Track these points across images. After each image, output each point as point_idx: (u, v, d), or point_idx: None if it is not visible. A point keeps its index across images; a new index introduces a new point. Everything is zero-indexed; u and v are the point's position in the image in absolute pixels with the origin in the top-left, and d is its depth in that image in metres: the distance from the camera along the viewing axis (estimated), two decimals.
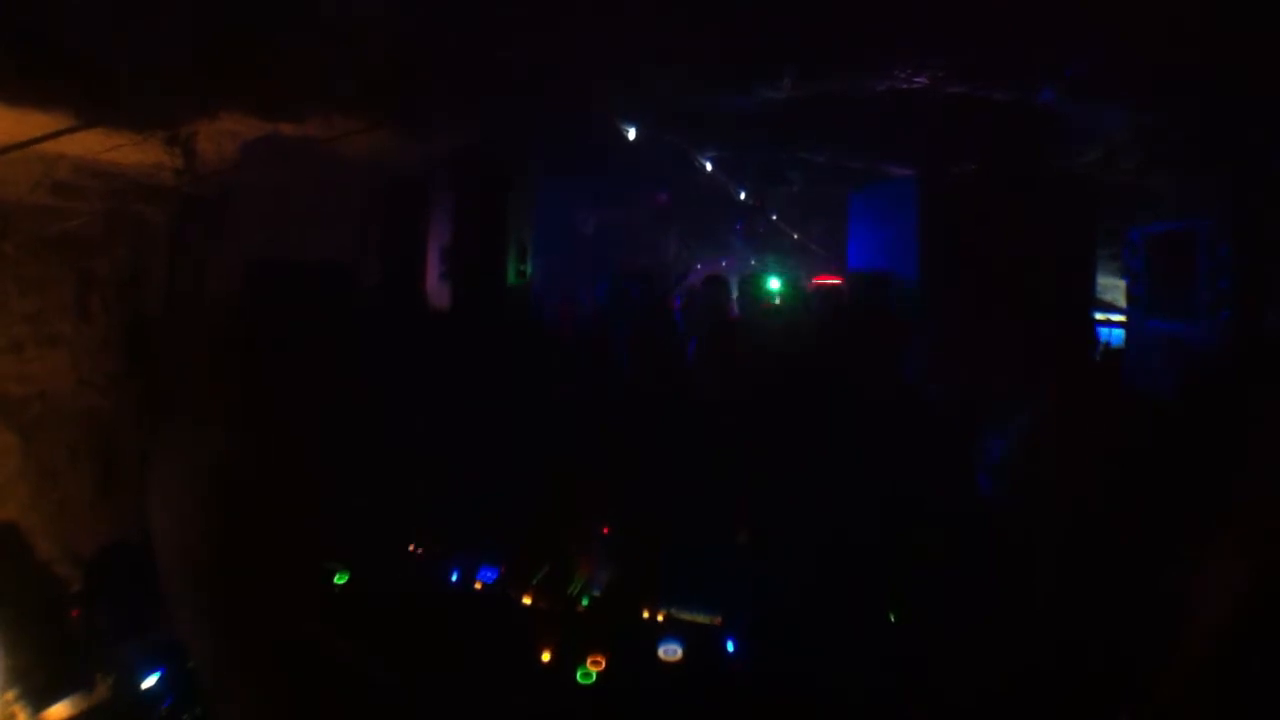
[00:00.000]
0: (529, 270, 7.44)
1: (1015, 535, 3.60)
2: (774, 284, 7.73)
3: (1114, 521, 3.26)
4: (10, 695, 2.54)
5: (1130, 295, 5.76)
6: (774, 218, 9.97)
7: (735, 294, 7.72)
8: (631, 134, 6.73)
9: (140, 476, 2.96)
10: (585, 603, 3.92)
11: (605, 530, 4.40)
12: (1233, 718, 2.40)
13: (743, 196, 9.40)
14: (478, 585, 4.07)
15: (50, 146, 3.31)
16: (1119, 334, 6.19)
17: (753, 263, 8.81)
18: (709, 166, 8.79)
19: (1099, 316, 6.22)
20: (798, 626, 3.55)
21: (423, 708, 3.38)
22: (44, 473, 3.27)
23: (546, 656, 3.57)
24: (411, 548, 4.35)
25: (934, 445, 4.00)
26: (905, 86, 5.30)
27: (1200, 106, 4.25)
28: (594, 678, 3.45)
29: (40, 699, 2.64)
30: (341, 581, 4.02)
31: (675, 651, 3.55)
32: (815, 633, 3.48)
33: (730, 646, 3.65)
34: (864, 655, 3.40)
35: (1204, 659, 2.42)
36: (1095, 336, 4.50)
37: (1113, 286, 6.26)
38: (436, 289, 6.87)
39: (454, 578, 4.14)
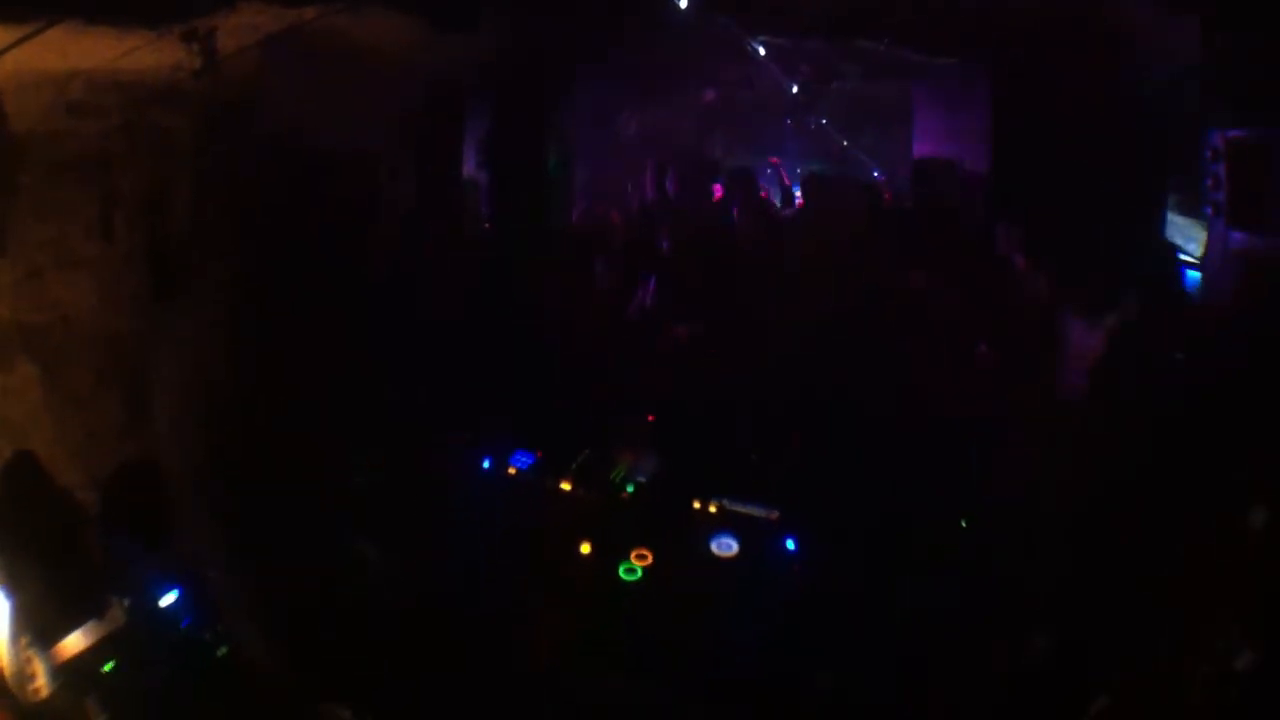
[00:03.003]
0: (567, 167, 7.27)
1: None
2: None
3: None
4: (24, 640, 2.50)
5: (1211, 203, 5.47)
6: (824, 122, 9.53)
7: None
8: (684, 2, 6.22)
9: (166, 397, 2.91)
10: (630, 490, 3.63)
11: (650, 417, 4.24)
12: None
13: (795, 90, 8.96)
14: (511, 471, 3.86)
15: (61, 65, 3.18)
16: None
17: (798, 171, 8.48)
18: (761, 51, 8.31)
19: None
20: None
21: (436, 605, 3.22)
22: (69, 402, 3.22)
23: (586, 549, 3.31)
24: (441, 435, 4.18)
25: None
26: None
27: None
28: (639, 574, 3.20)
29: (51, 635, 2.58)
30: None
31: (730, 547, 3.30)
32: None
33: (791, 545, 3.39)
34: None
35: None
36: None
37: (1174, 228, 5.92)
38: (473, 177, 6.79)
39: (486, 465, 3.90)
